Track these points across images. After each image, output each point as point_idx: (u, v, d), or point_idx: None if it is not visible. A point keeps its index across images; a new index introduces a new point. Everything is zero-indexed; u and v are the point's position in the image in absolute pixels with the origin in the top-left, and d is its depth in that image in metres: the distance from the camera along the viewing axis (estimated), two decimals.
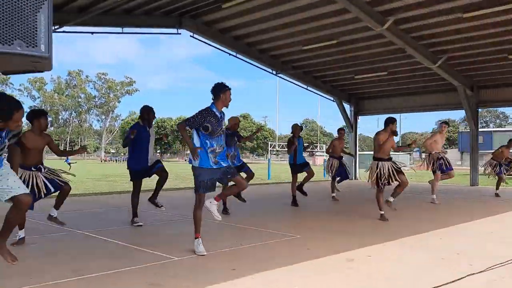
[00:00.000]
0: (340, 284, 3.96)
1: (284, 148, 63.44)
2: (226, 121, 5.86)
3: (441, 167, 10.06)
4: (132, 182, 6.91)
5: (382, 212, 7.58)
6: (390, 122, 7.61)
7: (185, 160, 55.03)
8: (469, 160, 17.36)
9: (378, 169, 7.47)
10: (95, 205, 9.68)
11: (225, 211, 8.01)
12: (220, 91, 4.96)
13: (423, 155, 10.59)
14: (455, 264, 4.65)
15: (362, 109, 20.13)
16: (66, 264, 4.50)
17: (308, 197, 9.91)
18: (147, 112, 6.84)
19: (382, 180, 7.40)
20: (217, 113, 4.95)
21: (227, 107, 5.04)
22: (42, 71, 2.70)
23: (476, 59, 14.43)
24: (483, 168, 12.87)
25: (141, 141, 6.69)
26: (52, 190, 5.39)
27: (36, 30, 2.44)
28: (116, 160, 46.41)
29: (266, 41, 15.01)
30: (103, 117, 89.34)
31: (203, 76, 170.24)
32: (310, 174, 9.53)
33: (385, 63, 15.53)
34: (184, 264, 4.57)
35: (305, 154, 10.92)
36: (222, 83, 5.07)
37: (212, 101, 5.02)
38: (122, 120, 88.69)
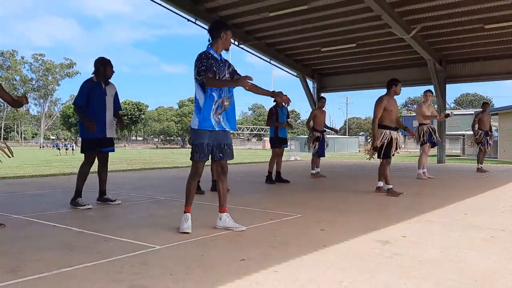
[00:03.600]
0: (388, 277, 2.85)
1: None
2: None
3: (431, 139, 9.30)
4: (84, 154, 5.51)
5: (390, 186, 6.67)
6: (393, 84, 6.74)
7: (125, 146, 52.82)
8: None
9: (386, 138, 6.62)
10: (35, 186, 8.03)
11: (199, 191, 6.74)
12: (220, 30, 4.11)
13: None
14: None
15: (326, 86, 19.27)
16: None
17: (284, 174, 8.90)
18: (103, 65, 5.47)
19: (390, 150, 6.60)
20: (216, 56, 4.12)
21: (227, 50, 4.24)
22: None
23: (448, 30, 13.81)
24: (470, 141, 11.95)
25: (96, 102, 5.38)
26: None
27: None
28: (58, 147, 42.00)
29: (229, 7, 13.54)
30: (42, 101, 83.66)
31: (147, 61, 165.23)
32: (281, 155, 8.84)
33: (354, 34, 14.60)
34: (171, 254, 3.28)
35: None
36: (221, 20, 4.20)
37: (209, 43, 4.17)
38: (62, 104, 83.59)
